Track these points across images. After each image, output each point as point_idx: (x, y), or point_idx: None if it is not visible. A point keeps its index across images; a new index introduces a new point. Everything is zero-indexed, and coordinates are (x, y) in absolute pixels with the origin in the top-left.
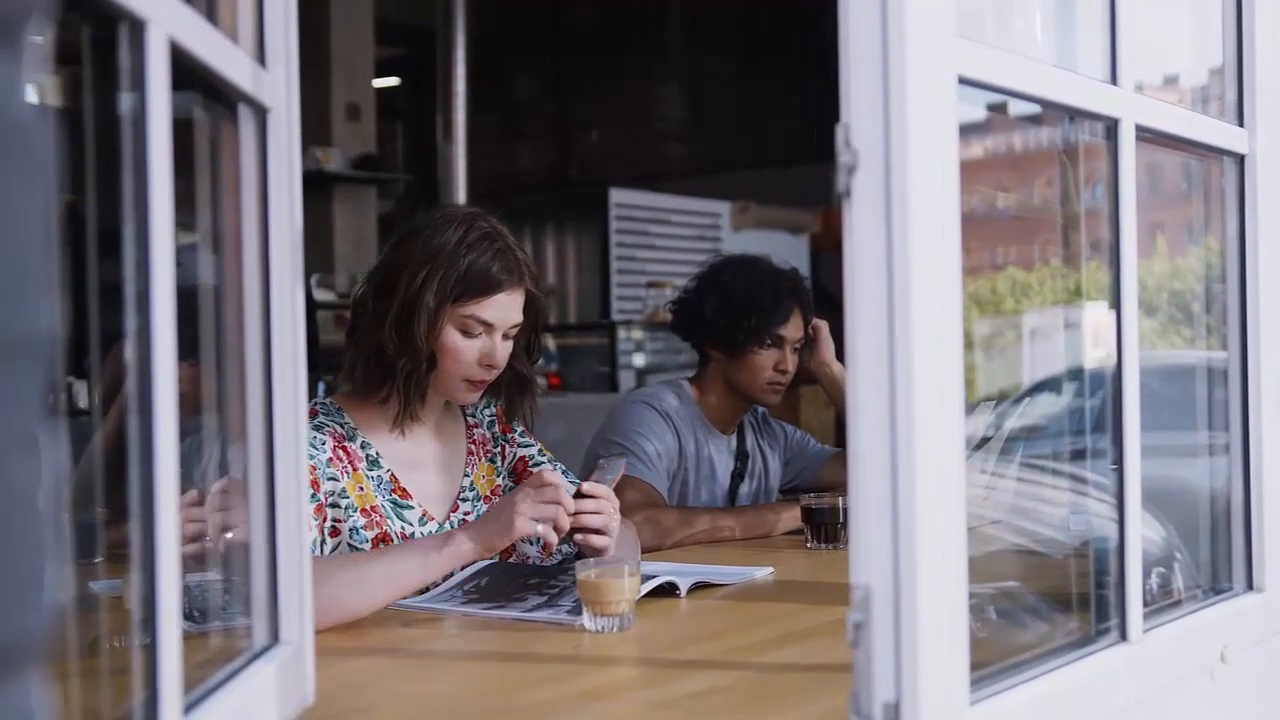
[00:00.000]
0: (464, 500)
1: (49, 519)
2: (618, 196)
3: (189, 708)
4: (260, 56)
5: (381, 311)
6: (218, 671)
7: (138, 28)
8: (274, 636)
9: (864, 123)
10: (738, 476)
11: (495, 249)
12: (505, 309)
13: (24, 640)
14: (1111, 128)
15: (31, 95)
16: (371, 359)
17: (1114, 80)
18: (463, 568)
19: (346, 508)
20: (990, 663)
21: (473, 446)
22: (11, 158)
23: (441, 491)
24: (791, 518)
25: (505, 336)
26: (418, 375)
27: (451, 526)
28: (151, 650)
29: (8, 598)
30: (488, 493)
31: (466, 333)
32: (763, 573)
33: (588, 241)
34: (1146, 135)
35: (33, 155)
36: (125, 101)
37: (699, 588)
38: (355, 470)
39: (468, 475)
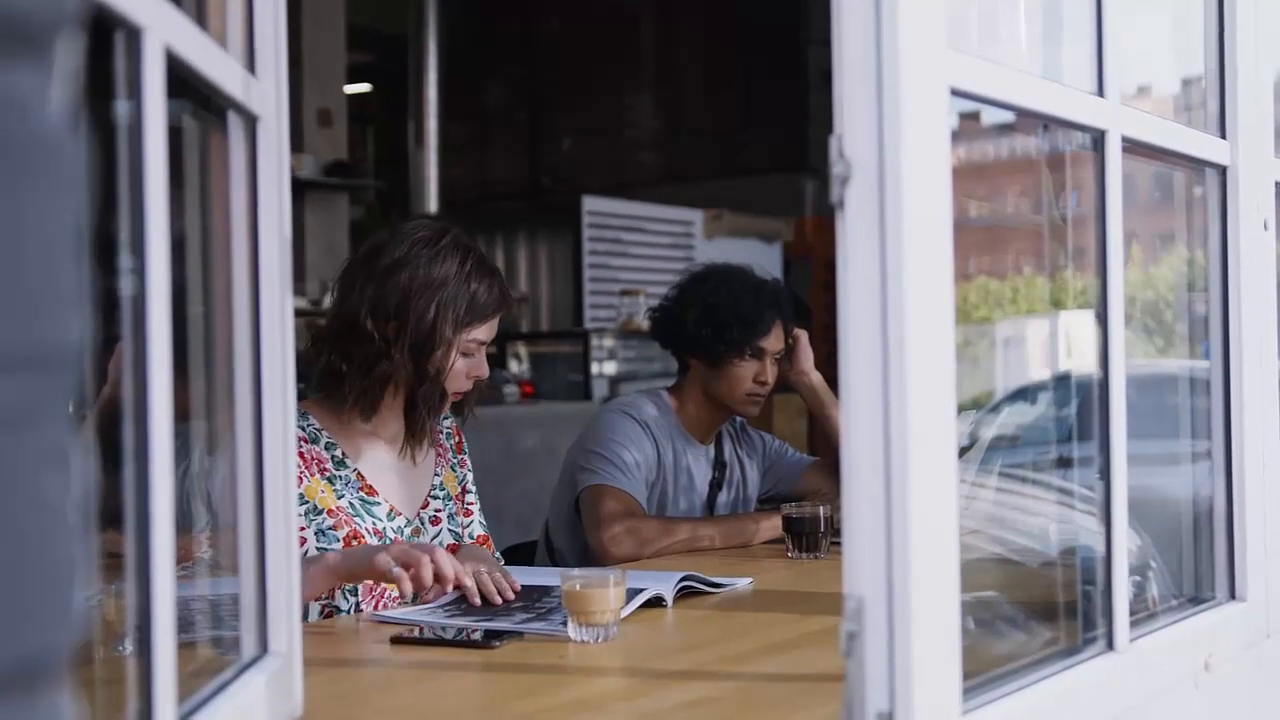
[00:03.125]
0: (435, 498)
1: (78, 532)
2: (590, 204)
3: (181, 719)
4: (250, 64)
5: (385, 339)
6: (209, 682)
7: (134, 35)
8: (263, 647)
9: (857, 134)
10: (716, 486)
11: (492, 273)
12: (496, 327)
13: (56, 654)
14: (1098, 139)
15: (60, 106)
16: (379, 386)
17: (1100, 92)
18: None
19: (306, 512)
20: (981, 672)
21: (440, 450)
22: (42, 170)
23: (410, 491)
24: (771, 527)
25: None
26: (435, 404)
27: (421, 523)
28: (146, 661)
29: (40, 612)
30: (456, 493)
31: (465, 354)
32: (744, 583)
33: (560, 249)
34: (1130, 146)
35: (63, 167)
36: (120, 109)
37: (685, 595)
38: (314, 475)
39: (438, 475)
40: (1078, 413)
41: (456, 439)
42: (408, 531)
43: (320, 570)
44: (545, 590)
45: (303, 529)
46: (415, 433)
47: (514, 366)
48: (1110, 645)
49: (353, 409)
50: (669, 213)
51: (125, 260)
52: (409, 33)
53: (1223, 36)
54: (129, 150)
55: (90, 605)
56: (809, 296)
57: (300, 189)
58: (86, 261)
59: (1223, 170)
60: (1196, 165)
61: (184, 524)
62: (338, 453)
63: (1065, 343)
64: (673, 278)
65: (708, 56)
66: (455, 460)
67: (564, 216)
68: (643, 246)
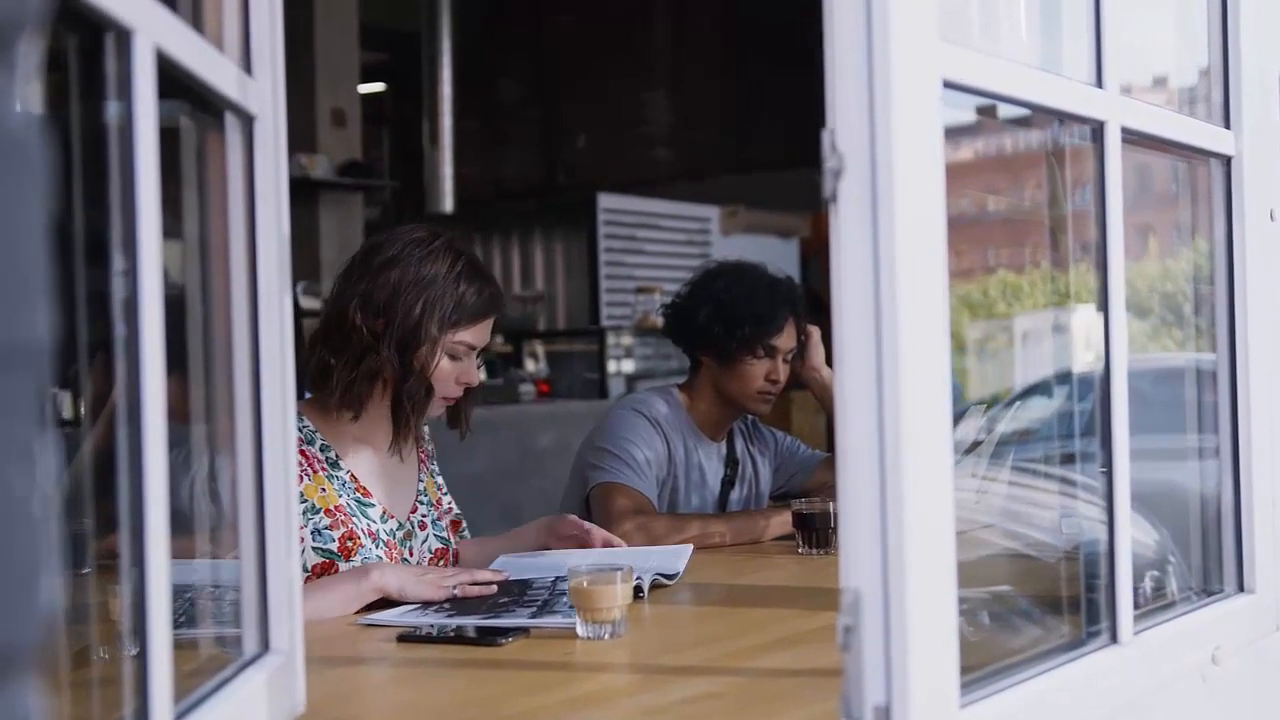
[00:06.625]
0: (421, 503)
1: (45, 527)
2: (606, 201)
3: (180, 716)
4: (246, 64)
5: (373, 335)
6: (208, 680)
7: (124, 37)
8: (264, 645)
9: (850, 127)
10: (728, 483)
11: (483, 278)
12: (487, 332)
13: (20, 647)
14: (1098, 130)
15: (24, 104)
16: (365, 380)
17: (1099, 83)
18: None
19: (304, 511)
20: (981, 666)
21: (423, 456)
22: (8, 168)
23: (399, 495)
24: (782, 523)
25: (478, 355)
26: (420, 400)
27: (411, 525)
28: (142, 659)
29: (4, 604)
30: (436, 499)
31: (453, 357)
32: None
33: (576, 247)
34: (1132, 137)
35: (28, 164)
36: (111, 110)
37: (688, 591)
38: (316, 473)
39: (421, 480)
40: (1090, 407)
41: (432, 447)
42: (400, 535)
43: (370, 589)
44: (524, 585)
45: (301, 528)
46: (400, 429)
47: (530, 365)
48: (1114, 638)
49: (340, 404)
50: (685, 209)
51: (118, 263)
52: (422, 31)
53: (1227, 26)
54: (120, 152)
55: (63, 604)
56: (826, 293)
57: (314, 189)
58: (52, 259)
59: (1227, 161)
60: (1201, 156)
61: (197, 526)
62: (332, 454)
63: (1082, 337)
64: (689, 275)
65: (721, 51)
66: (432, 468)
67: (579, 214)
68: (659, 244)
